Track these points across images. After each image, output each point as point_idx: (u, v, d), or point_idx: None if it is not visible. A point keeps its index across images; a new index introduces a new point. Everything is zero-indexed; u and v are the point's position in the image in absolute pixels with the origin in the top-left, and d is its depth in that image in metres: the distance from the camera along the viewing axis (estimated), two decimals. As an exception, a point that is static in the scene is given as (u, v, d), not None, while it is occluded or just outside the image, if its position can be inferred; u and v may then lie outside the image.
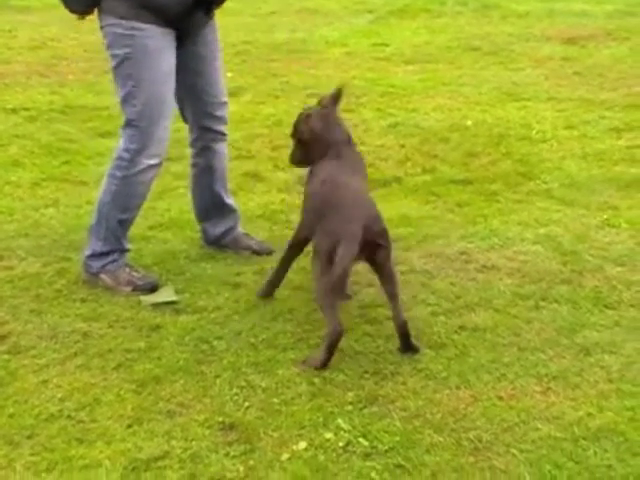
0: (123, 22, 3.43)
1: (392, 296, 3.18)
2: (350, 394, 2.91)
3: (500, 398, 2.90)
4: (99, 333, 3.32)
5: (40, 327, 3.35)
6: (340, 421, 2.76)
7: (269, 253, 4.00)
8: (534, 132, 5.86)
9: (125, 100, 3.54)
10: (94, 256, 3.70)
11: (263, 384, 2.98)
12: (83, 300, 3.57)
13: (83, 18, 3.61)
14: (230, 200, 4.08)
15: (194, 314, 3.46)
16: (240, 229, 4.11)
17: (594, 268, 3.84)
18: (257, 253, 4.01)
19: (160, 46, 3.50)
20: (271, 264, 3.87)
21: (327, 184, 3.28)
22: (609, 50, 8.49)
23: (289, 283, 3.69)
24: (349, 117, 6.25)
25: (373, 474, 2.53)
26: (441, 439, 2.69)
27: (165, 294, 3.59)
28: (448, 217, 4.47)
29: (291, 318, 3.42)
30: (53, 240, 4.15)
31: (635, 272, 3.80)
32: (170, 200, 4.69)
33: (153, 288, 3.63)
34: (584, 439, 2.68)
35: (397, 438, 2.68)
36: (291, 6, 11.46)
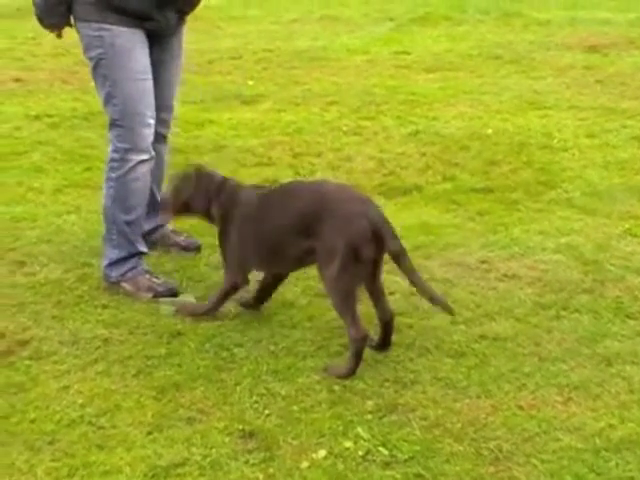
0: (93, 24, 3.51)
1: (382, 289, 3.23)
2: (370, 402, 2.91)
3: (521, 408, 2.88)
4: (120, 339, 3.33)
5: (61, 333, 3.37)
6: (360, 430, 2.76)
7: (197, 249, 4.10)
8: (555, 141, 5.84)
9: (106, 101, 3.60)
10: (112, 265, 3.73)
11: (283, 392, 2.97)
12: (104, 306, 3.59)
13: (60, 34, 3.66)
14: None
15: (214, 321, 3.46)
16: (169, 226, 4.17)
17: (616, 278, 3.81)
18: (185, 250, 4.09)
19: (130, 45, 3.55)
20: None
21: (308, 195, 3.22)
22: (631, 58, 8.44)
23: (309, 290, 3.70)
24: (370, 125, 6.27)
25: (392, 483, 2.53)
26: (461, 448, 2.67)
27: (185, 302, 3.60)
28: (469, 225, 4.46)
29: (311, 326, 3.42)
30: (75, 246, 4.18)
31: (657, 282, 3.77)
32: (191, 207, 4.70)
33: (173, 294, 3.65)
34: (606, 450, 2.65)
35: (417, 447, 2.67)
36: (312, 14, 11.48)
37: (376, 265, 3.14)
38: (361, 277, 3.09)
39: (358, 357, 3.06)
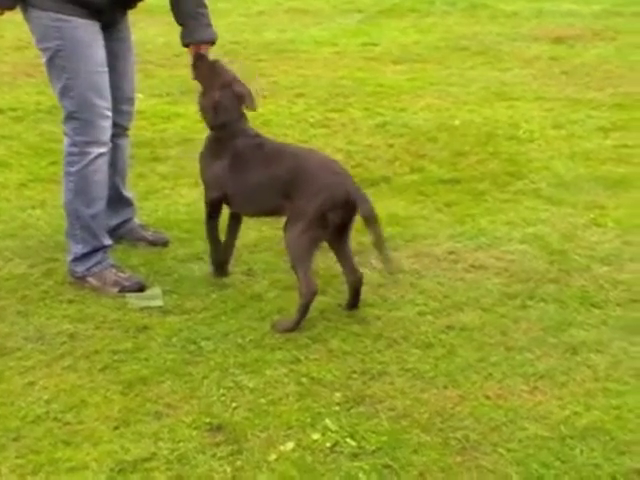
0: (51, 14, 3.46)
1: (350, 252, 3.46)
2: (338, 394, 2.91)
3: (487, 397, 2.90)
4: (86, 334, 3.31)
5: (26, 329, 3.34)
6: (328, 421, 2.76)
7: (164, 244, 4.08)
8: (522, 132, 5.87)
9: (62, 93, 3.56)
10: (77, 260, 3.70)
11: (251, 385, 2.97)
12: (70, 301, 3.56)
13: (2, 14, 3.61)
14: (128, 193, 4.13)
15: (182, 315, 3.45)
16: (136, 220, 4.16)
17: (581, 267, 3.85)
18: (153, 244, 4.08)
19: (89, 37, 3.53)
20: (259, 265, 3.87)
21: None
22: (596, 50, 8.51)
23: (277, 283, 3.69)
24: (337, 117, 6.27)
25: (361, 475, 2.53)
26: (428, 439, 2.69)
27: (152, 296, 3.58)
28: (436, 217, 4.47)
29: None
30: (40, 241, 4.13)
31: (622, 271, 3.81)
32: (157, 201, 4.68)
33: (140, 289, 3.63)
34: (571, 438, 2.68)
35: (384, 438, 2.68)
36: (280, 6, 11.44)
37: (344, 230, 3.37)
38: (321, 240, 3.32)
39: (304, 311, 3.30)
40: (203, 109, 3.61)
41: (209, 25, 3.66)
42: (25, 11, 3.54)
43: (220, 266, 3.73)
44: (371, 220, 3.28)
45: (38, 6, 3.48)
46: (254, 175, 3.47)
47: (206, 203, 3.65)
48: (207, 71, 3.62)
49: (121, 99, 3.81)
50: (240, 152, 3.50)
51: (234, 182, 3.52)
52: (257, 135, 3.59)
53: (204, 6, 3.65)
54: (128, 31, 3.86)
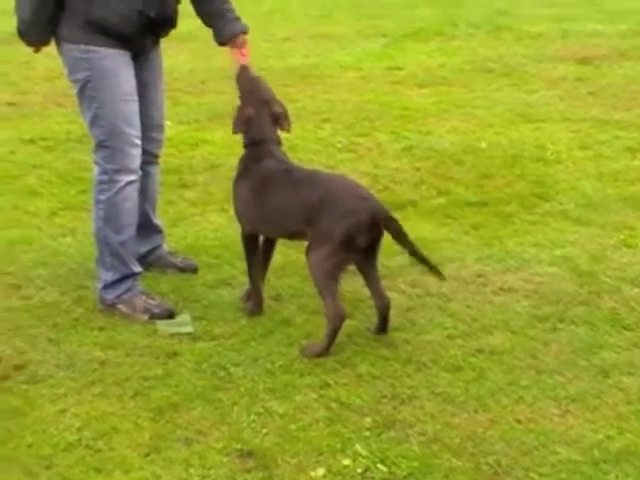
0: (81, 46, 3.53)
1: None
2: (367, 419, 2.91)
3: (518, 421, 2.88)
4: (116, 361, 3.33)
5: (58, 356, 3.37)
6: (358, 447, 2.76)
7: (194, 270, 4.09)
8: (549, 153, 5.86)
9: (92, 122, 3.62)
10: (107, 287, 3.73)
11: (280, 410, 2.97)
12: (100, 328, 3.59)
13: (39, 50, 3.71)
14: (157, 221, 4.16)
15: (211, 341, 3.46)
16: (165, 247, 4.18)
17: (611, 289, 3.82)
18: (182, 270, 4.09)
19: (117, 67, 3.58)
20: (286, 289, 3.88)
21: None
22: (623, 70, 8.47)
23: (305, 308, 3.70)
24: (363, 141, 6.29)
25: (391, 500, 2.52)
26: (460, 464, 2.67)
27: (182, 322, 3.60)
28: (464, 239, 4.47)
29: (308, 343, 3.42)
30: (70, 269, 4.18)
31: (653, 292, 3.78)
32: (186, 227, 4.72)
33: (170, 315, 3.65)
34: (604, 462, 2.65)
35: (415, 463, 2.67)
36: (305, 32, 11.52)
37: (372, 253, 3.36)
38: (346, 264, 3.34)
39: (333, 336, 3.29)
40: (235, 122, 3.64)
41: (237, 18, 3.78)
42: (58, 45, 3.63)
43: (259, 305, 3.68)
44: (402, 237, 3.34)
45: (68, 39, 3.56)
46: (276, 198, 3.48)
47: (242, 237, 3.67)
48: (248, 84, 3.67)
49: (151, 127, 3.86)
50: (265, 175, 3.52)
51: (257, 203, 3.54)
52: (284, 160, 3.61)
53: (228, 2, 3.74)
54: (159, 59, 3.91)
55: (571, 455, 2.69)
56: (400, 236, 3.36)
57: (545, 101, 7.38)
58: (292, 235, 3.58)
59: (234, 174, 3.71)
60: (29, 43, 3.66)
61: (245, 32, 3.80)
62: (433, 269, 3.45)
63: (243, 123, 3.61)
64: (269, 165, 3.55)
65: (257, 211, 3.56)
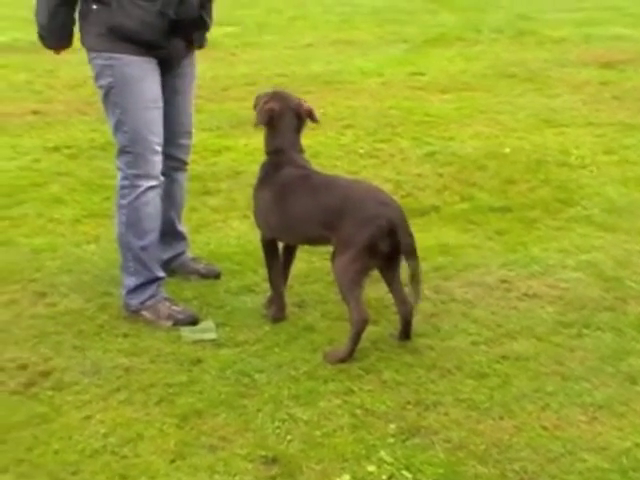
0: (103, 54, 3.59)
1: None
2: (392, 426, 2.90)
3: (545, 428, 2.86)
4: (141, 368, 3.34)
5: (83, 363, 3.39)
6: (383, 453, 2.75)
7: (217, 276, 4.11)
8: (573, 158, 5.83)
9: (116, 128, 3.66)
10: (131, 292, 3.75)
11: (305, 417, 2.98)
12: (125, 335, 3.61)
13: (59, 52, 3.84)
14: (182, 228, 4.18)
15: (235, 347, 3.47)
16: (188, 254, 4.20)
17: (637, 294, 3.80)
18: (205, 277, 4.10)
19: (141, 74, 3.61)
20: (310, 296, 3.89)
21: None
22: (647, 73, 8.43)
23: (329, 314, 3.70)
24: (386, 147, 6.28)
25: (417, 507, 2.52)
26: (485, 471, 2.66)
27: (205, 329, 3.61)
28: (488, 245, 4.45)
29: (331, 350, 3.42)
30: (95, 276, 4.21)
31: (680, 298, 3.75)
32: (209, 234, 4.74)
33: (193, 322, 3.66)
34: (633, 470, 2.64)
35: (441, 470, 2.66)
36: (326, 38, 11.54)
37: (394, 259, 3.37)
38: (370, 269, 3.34)
39: (357, 339, 3.30)
40: (258, 113, 3.62)
41: None
42: (87, 54, 3.68)
43: (282, 310, 3.69)
44: (411, 256, 3.30)
45: (93, 48, 3.62)
46: (297, 204, 3.49)
47: (261, 243, 3.69)
48: (270, 96, 3.69)
49: (179, 133, 3.90)
50: (286, 182, 3.53)
51: (277, 210, 3.55)
52: (305, 167, 3.62)
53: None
54: (192, 67, 3.92)
55: (599, 463, 2.67)
56: (410, 253, 3.30)
57: (569, 106, 7.35)
58: (313, 241, 3.61)
59: (255, 183, 3.72)
60: (48, 46, 3.77)
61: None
62: (415, 295, 3.37)
63: (266, 116, 3.59)
64: (290, 172, 3.55)
65: (278, 218, 3.57)
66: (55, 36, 3.69)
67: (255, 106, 3.72)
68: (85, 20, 3.61)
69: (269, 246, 3.67)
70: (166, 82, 3.73)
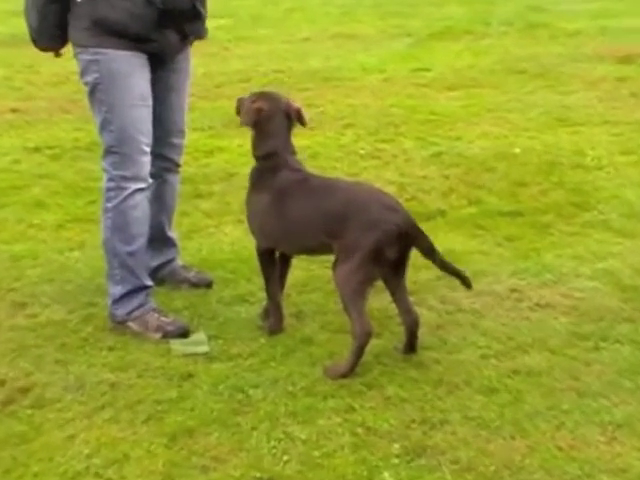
0: (89, 49, 3.58)
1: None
2: (396, 445, 2.89)
3: (560, 448, 2.85)
4: (128, 383, 3.33)
5: (66, 378, 3.38)
6: (386, 475, 2.74)
7: (208, 285, 4.10)
8: (588, 159, 5.83)
9: (102, 127, 3.66)
10: (117, 302, 3.74)
11: (303, 435, 2.96)
12: (111, 348, 3.60)
13: (58, 54, 3.83)
14: (172, 233, 4.17)
15: (228, 361, 3.46)
16: (178, 261, 4.19)
17: (658, 305, 3.79)
18: (196, 286, 4.09)
19: (128, 70, 3.60)
20: (308, 306, 3.88)
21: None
22: (668, 69, 8.45)
23: (328, 325, 3.69)
24: (388, 147, 6.29)
25: (423, 533, 2.51)
26: (496, 494, 2.65)
27: (197, 341, 3.60)
28: (497, 252, 4.45)
29: (331, 364, 3.41)
30: (78, 285, 4.20)
31: (703, 308, 3.74)
32: (201, 239, 4.73)
33: (184, 334, 3.65)
34: (653, 493, 2.63)
35: (448, 493, 2.65)
36: (325, 31, 11.57)
37: (400, 267, 3.36)
38: (374, 278, 3.32)
39: (359, 354, 3.28)
40: (245, 113, 3.58)
41: None
42: (73, 49, 3.68)
43: (279, 322, 3.68)
44: (434, 255, 3.34)
45: (78, 43, 3.61)
46: (296, 210, 3.48)
47: (257, 252, 3.67)
48: (257, 96, 3.67)
49: (172, 132, 3.90)
50: (282, 187, 3.51)
51: (273, 218, 3.53)
52: (301, 170, 3.60)
53: None
54: (187, 62, 3.92)
55: (617, 485, 2.67)
56: (431, 252, 3.35)
57: (583, 103, 7.36)
58: (314, 250, 3.59)
59: (247, 189, 3.70)
60: (44, 49, 3.76)
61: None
62: (465, 280, 3.43)
63: (254, 115, 3.54)
64: (285, 176, 3.53)
65: (274, 226, 3.55)
66: (48, 37, 3.67)
67: (238, 109, 3.69)
68: (70, 14, 3.60)
69: (265, 255, 3.65)
70: (159, 78, 3.72)
